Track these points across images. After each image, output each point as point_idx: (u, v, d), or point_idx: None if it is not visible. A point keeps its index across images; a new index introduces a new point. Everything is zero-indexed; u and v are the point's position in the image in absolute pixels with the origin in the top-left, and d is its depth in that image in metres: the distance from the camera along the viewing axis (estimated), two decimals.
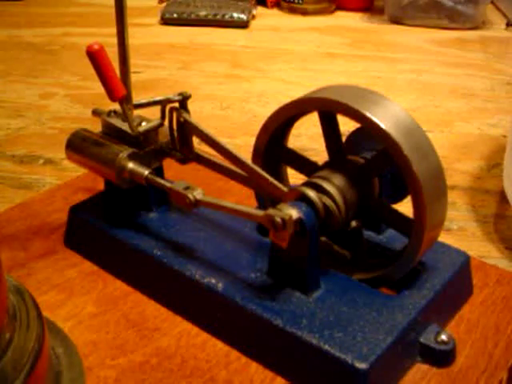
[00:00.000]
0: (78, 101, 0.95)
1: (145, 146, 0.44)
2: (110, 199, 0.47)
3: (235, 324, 0.39)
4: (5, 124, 0.86)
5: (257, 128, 0.43)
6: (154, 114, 0.46)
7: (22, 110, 0.91)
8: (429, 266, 0.41)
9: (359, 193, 0.40)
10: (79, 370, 0.37)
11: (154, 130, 0.44)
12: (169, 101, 0.43)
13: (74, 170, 0.67)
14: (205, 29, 1.32)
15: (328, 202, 0.39)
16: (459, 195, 0.70)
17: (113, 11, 0.41)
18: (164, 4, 1.43)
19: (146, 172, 0.42)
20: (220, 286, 0.40)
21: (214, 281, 0.40)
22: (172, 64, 1.12)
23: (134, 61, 0.45)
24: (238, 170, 0.42)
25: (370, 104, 0.37)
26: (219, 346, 0.40)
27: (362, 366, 0.34)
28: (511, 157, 0.65)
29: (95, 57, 0.39)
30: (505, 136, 0.84)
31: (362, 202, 0.40)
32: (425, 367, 0.38)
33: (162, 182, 0.42)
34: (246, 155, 0.43)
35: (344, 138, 0.43)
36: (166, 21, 1.35)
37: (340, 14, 1.47)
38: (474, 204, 0.69)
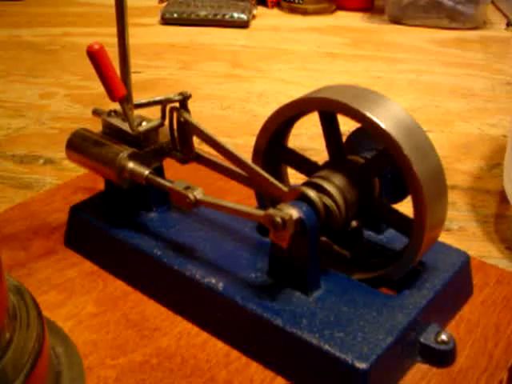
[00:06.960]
0: (78, 101, 0.95)
1: (145, 145, 0.44)
2: (110, 199, 0.47)
3: (235, 324, 0.39)
4: (5, 124, 0.86)
5: (257, 128, 0.43)
6: (154, 113, 0.46)
7: (22, 110, 0.91)
8: (429, 266, 0.41)
9: (359, 193, 0.40)
10: (79, 369, 0.37)
11: (155, 129, 0.44)
12: (169, 101, 0.43)
13: (74, 170, 0.67)
14: (205, 29, 1.32)
15: (328, 201, 0.39)
16: (459, 195, 0.70)
17: (113, 11, 0.41)
18: (164, 4, 1.43)
19: (147, 172, 0.42)
20: (220, 285, 0.40)
21: (214, 281, 0.40)
22: (172, 64, 1.12)
23: (134, 61, 0.45)
24: (239, 170, 0.42)
25: (370, 104, 0.37)
26: (219, 345, 0.40)
27: (362, 365, 0.34)
28: (511, 157, 0.65)
29: (95, 57, 0.39)
30: (505, 136, 0.84)
31: (362, 201, 0.40)
32: (425, 367, 0.38)
33: (162, 181, 0.42)
34: (246, 155, 0.43)
35: (344, 138, 0.43)
36: (166, 21, 1.35)
37: (340, 13, 1.47)
38: (475, 204, 0.69)
